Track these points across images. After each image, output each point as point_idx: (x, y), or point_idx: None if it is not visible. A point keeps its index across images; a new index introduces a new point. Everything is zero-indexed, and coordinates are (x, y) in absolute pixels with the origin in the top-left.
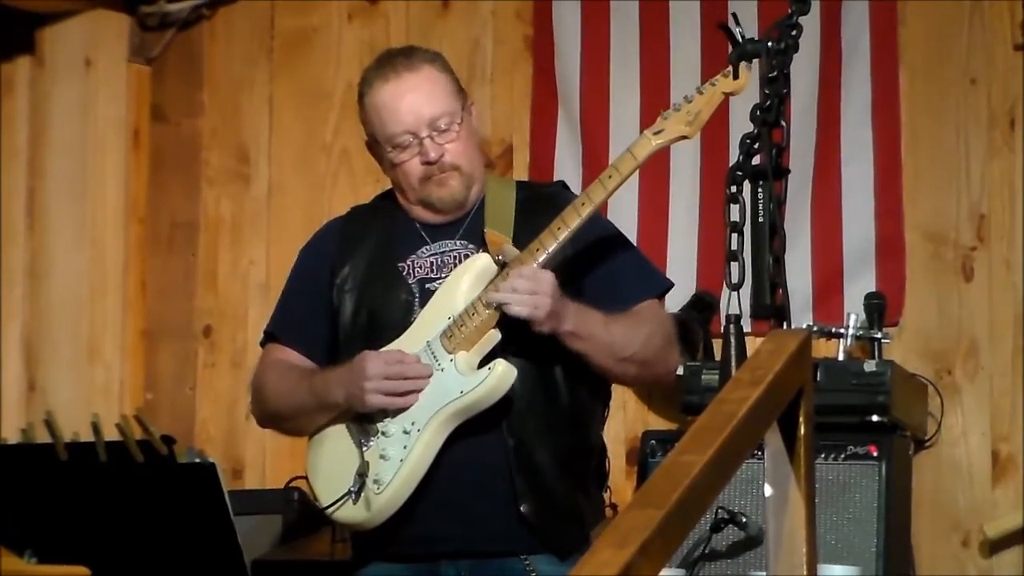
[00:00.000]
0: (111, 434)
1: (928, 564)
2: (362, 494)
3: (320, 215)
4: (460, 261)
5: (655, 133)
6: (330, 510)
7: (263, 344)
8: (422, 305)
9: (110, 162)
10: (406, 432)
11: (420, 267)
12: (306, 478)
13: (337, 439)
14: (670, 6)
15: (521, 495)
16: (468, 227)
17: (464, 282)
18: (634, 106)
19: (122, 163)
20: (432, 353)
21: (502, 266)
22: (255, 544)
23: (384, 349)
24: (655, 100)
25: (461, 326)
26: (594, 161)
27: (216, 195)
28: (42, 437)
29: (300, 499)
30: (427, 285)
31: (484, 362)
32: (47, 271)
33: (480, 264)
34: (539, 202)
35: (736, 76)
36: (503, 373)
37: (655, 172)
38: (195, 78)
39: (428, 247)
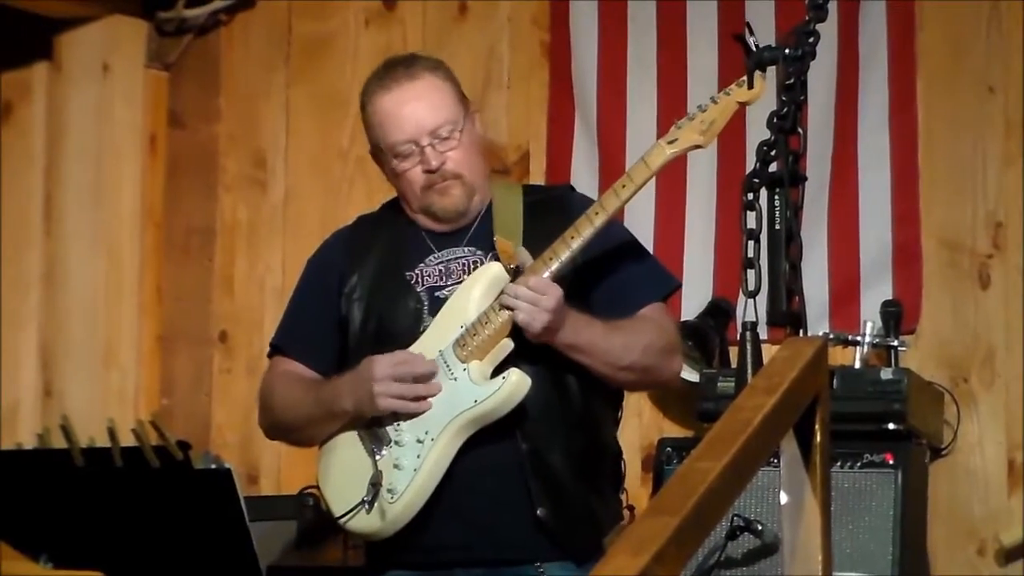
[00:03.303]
0: (127, 439)
1: (944, 572)
2: (376, 503)
3: (336, 221)
4: (468, 268)
5: (669, 142)
6: (343, 520)
7: (270, 356)
8: (431, 313)
9: (127, 167)
10: (419, 441)
11: (428, 275)
12: (318, 487)
13: (349, 448)
14: (687, 12)
15: (537, 499)
16: (475, 233)
17: (476, 291)
18: (651, 112)
19: (139, 168)
20: (445, 363)
21: (514, 274)
22: (270, 550)
23: (385, 353)
24: (672, 106)
25: (474, 335)
26: (610, 167)
27: (232, 200)
28: (58, 442)
29: (315, 505)
30: (436, 293)
31: (497, 370)
32: (64, 276)
33: (492, 273)
34: (547, 205)
35: (751, 86)
36: (517, 383)
37: (672, 180)
38: (212, 84)
39: (435, 255)
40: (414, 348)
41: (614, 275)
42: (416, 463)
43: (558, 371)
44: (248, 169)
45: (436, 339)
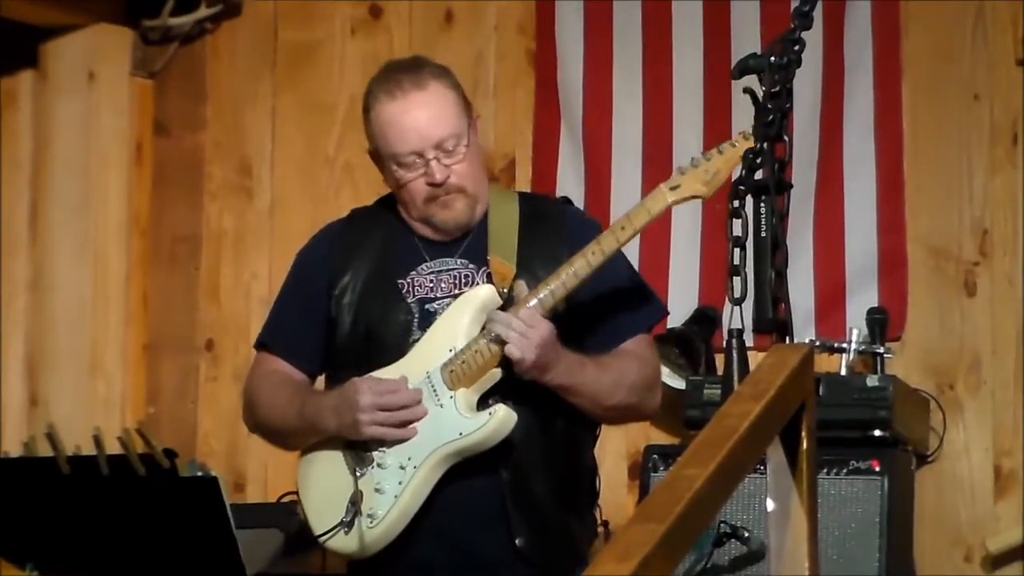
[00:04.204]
0: (113, 447)
1: None
2: (355, 525)
3: None
4: (459, 281)
5: (671, 188)
6: (323, 539)
7: (257, 349)
8: (420, 326)
9: (113, 175)
10: (402, 468)
11: (420, 285)
12: (297, 493)
13: (330, 462)
14: (672, 20)
15: (517, 529)
16: (468, 246)
17: (467, 314)
18: (636, 120)
19: (124, 176)
20: (432, 386)
21: (507, 299)
22: (257, 558)
23: (378, 375)
24: (657, 114)
25: (462, 362)
26: (596, 175)
27: (218, 208)
28: (44, 450)
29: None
30: (426, 305)
31: (484, 397)
32: (49, 284)
33: (484, 296)
34: (542, 222)
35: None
36: (503, 419)
37: (657, 184)
38: (198, 92)
39: (427, 264)
40: (401, 363)
41: (602, 303)
42: (397, 489)
43: (542, 399)
44: (234, 177)
45: (425, 357)
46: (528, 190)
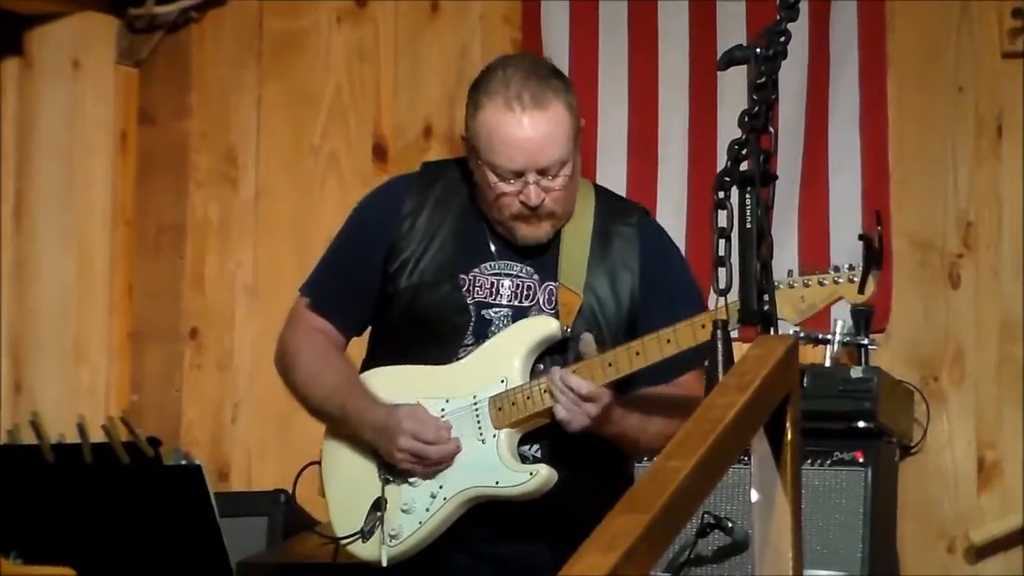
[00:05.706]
0: (97, 436)
1: (913, 570)
2: (375, 535)
3: (308, 219)
4: (520, 291)
5: None
6: (343, 542)
7: (301, 294)
8: (475, 333)
9: (97, 164)
10: (433, 496)
11: (480, 286)
12: (319, 463)
13: (359, 453)
14: (658, 13)
15: (565, 557)
16: (538, 255)
17: (525, 345)
18: (621, 114)
19: (109, 165)
20: (477, 415)
21: (565, 338)
22: (240, 546)
23: (423, 389)
24: (642, 107)
25: (512, 403)
26: (581, 166)
27: (204, 197)
28: (28, 438)
29: (286, 502)
30: (483, 311)
31: (525, 437)
32: (34, 273)
33: (547, 331)
34: (615, 243)
35: (862, 290)
36: (544, 480)
37: (643, 177)
38: (183, 80)
39: (492, 263)
40: (449, 371)
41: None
42: (424, 516)
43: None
44: (219, 166)
45: (473, 378)
46: None
